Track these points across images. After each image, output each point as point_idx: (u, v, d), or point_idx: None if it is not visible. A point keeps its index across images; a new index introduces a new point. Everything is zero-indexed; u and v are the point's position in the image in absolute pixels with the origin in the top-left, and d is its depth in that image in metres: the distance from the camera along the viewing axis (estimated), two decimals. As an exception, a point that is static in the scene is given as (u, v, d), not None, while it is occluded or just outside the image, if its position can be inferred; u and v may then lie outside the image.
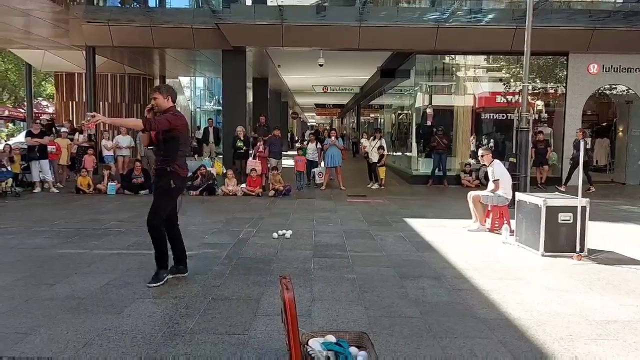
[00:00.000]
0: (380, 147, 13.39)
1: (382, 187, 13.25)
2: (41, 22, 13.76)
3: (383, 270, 5.33)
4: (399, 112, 20.80)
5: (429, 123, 14.88)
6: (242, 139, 12.90)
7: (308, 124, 56.20)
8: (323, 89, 24.72)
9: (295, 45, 14.02)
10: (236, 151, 12.93)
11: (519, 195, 6.70)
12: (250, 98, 20.42)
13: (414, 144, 15.30)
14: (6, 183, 10.79)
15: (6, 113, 22.96)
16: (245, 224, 7.85)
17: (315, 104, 37.43)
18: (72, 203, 10.10)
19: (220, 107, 31.39)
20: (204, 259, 5.66)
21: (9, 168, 11.16)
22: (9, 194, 10.74)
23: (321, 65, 15.47)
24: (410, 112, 16.71)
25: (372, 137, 14.26)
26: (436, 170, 13.98)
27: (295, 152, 14.61)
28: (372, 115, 30.88)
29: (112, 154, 13.49)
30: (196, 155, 16.63)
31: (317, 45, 14.18)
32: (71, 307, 4.04)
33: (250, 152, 13.49)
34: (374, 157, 13.58)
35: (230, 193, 11.46)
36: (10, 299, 4.22)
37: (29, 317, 3.82)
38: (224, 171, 12.61)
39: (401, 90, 19.15)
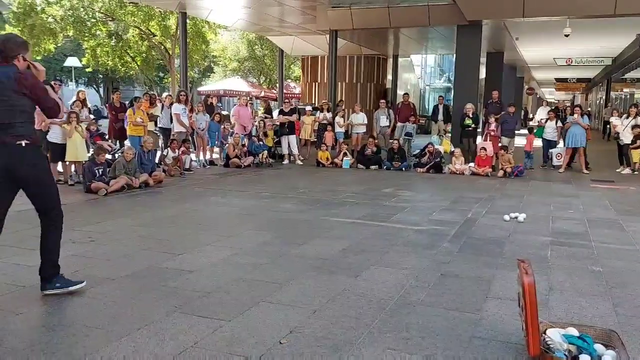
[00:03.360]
0: (636, 126, 11.60)
1: (636, 172, 11.52)
2: (293, 10, 15.46)
3: (636, 265, 4.71)
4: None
5: None
6: (470, 116, 12.54)
7: (545, 100, 51.55)
8: (566, 62, 22.30)
9: (537, 15, 12.85)
10: (464, 129, 12.64)
11: None
12: (482, 74, 19.60)
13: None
14: (262, 155, 12.51)
15: (262, 94, 26.43)
16: (473, 204, 7.70)
17: (556, 79, 34.01)
18: (314, 174, 11.22)
19: (450, 84, 30.86)
20: (432, 235, 5.76)
21: (264, 142, 12.91)
22: (264, 165, 12.43)
23: (567, 36, 13.93)
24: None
25: (624, 115, 12.44)
26: None
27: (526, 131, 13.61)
28: (625, 90, 26.90)
29: (343, 130, 14.24)
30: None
31: (563, 14, 12.75)
32: (316, 266, 4.55)
33: (479, 129, 13.05)
34: (626, 138, 11.84)
35: (458, 172, 11.33)
36: (270, 253, 4.95)
37: (283, 270, 4.43)
38: (452, 149, 12.48)
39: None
